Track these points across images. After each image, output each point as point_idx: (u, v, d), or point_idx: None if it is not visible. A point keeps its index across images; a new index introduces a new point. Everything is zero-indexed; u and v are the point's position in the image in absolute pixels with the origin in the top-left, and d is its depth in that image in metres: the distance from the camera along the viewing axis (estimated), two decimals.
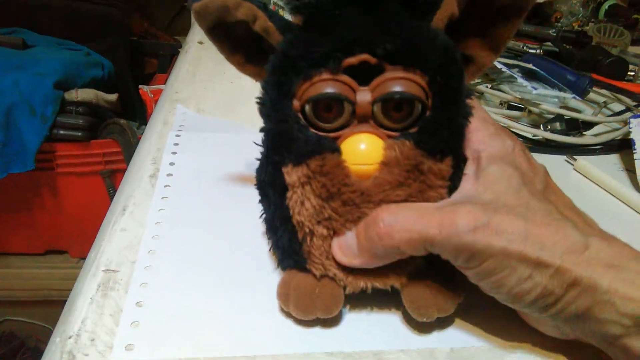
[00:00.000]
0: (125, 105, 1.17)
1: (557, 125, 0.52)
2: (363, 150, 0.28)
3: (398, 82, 0.27)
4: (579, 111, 0.55)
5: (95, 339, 0.31)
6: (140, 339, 0.30)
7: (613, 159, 0.51)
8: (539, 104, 0.53)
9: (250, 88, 0.65)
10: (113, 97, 1.09)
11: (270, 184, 0.31)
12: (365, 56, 0.27)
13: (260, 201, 0.33)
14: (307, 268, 0.31)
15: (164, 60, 1.34)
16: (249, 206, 0.41)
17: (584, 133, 0.53)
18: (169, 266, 0.36)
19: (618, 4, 0.80)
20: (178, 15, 1.48)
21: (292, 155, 0.28)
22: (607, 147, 0.52)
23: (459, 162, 0.29)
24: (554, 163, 0.50)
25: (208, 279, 0.35)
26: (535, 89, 0.54)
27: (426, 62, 0.27)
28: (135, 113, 1.22)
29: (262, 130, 0.31)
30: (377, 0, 0.28)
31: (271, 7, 0.54)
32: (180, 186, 0.44)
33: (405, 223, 0.27)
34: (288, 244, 0.31)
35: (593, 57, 0.63)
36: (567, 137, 0.51)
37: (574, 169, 0.49)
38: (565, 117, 0.53)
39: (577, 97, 0.55)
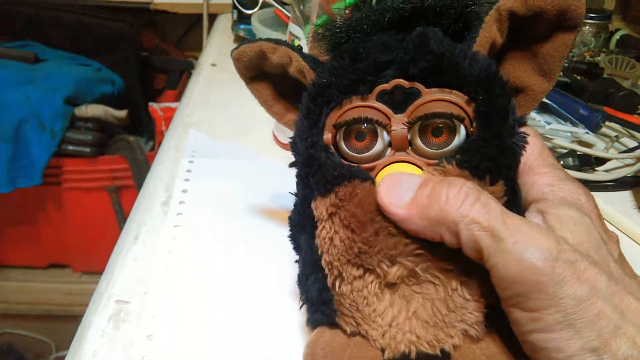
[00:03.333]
0: (134, 121, 1.17)
1: (570, 160, 0.52)
2: None
3: (436, 104, 0.25)
4: (591, 146, 0.55)
5: None
6: None
7: (625, 196, 0.51)
8: (552, 139, 0.53)
9: (262, 112, 0.65)
10: (122, 113, 1.09)
11: (300, 226, 0.28)
12: (398, 80, 0.25)
13: (294, 249, 0.30)
14: (337, 323, 0.26)
15: (174, 76, 1.34)
16: (263, 236, 0.41)
17: (596, 169, 0.53)
18: (180, 298, 0.36)
19: (629, 35, 0.81)
20: (188, 32, 1.49)
21: (320, 184, 0.26)
22: (620, 184, 0.52)
23: (514, 193, 0.26)
24: None
25: (221, 311, 0.34)
26: (548, 123, 0.54)
27: (466, 81, 0.25)
28: (144, 129, 1.23)
29: (291, 165, 0.29)
30: (413, 26, 0.26)
31: (287, 37, 0.54)
32: (192, 214, 0.44)
33: (484, 204, 0.22)
34: (317, 295, 0.26)
35: (604, 89, 0.63)
36: (580, 173, 0.51)
37: None
38: (578, 153, 0.52)
39: (590, 132, 0.55)
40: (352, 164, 0.26)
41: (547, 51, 0.27)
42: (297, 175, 0.28)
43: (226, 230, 0.42)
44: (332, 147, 0.27)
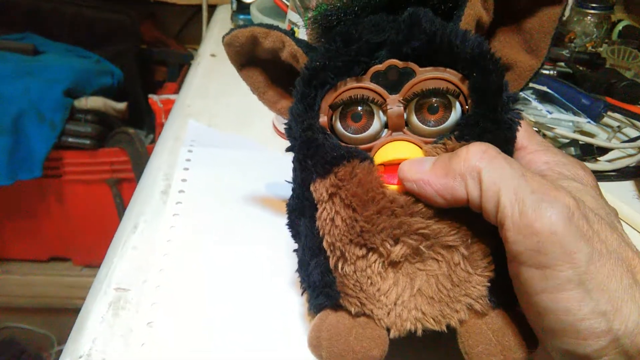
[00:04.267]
0: (134, 114, 1.17)
1: (572, 150, 0.52)
2: (399, 158, 0.25)
3: (430, 82, 0.25)
4: (593, 136, 0.55)
5: None
6: None
7: (628, 185, 0.51)
8: (553, 128, 0.53)
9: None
10: (122, 105, 1.09)
11: (299, 210, 0.28)
12: (392, 61, 0.25)
13: (293, 237, 0.30)
14: (342, 304, 0.26)
15: (174, 69, 1.34)
16: (262, 225, 0.41)
17: (598, 159, 0.53)
18: (179, 285, 0.35)
19: (632, 25, 0.80)
20: (188, 23, 1.48)
21: (318, 165, 0.26)
22: (622, 174, 0.51)
23: None
24: None
25: (220, 299, 0.34)
26: (550, 112, 0.53)
27: (459, 58, 0.25)
28: (144, 121, 1.22)
29: (288, 149, 0.29)
30: (404, 6, 0.26)
31: (286, 26, 0.54)
32: (192, 203, 0.44)
33: (504, 157, 0.22)
34: (320, 278, 0.26)
35: (607, 79, 0.62)
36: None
37: None
38: (580, 142, 0.52)
39: (592, 122, 0.54)
40: (350, 145, 0.26)
41: (533, 27, 0.27)
42: (295, 160, 0.28)
43: (225, 219, 0.42)
44: (328, 129, 0.27)
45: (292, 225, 0.29)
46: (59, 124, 0.98)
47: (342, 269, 0.25)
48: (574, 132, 0.54)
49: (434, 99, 0.25)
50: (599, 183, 0.49)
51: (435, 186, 0.23)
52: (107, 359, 0.31)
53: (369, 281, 0.25)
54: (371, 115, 0.26)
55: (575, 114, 0.55)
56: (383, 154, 0.26)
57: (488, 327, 0.24)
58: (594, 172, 0.51)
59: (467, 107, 0.25)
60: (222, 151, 0.51)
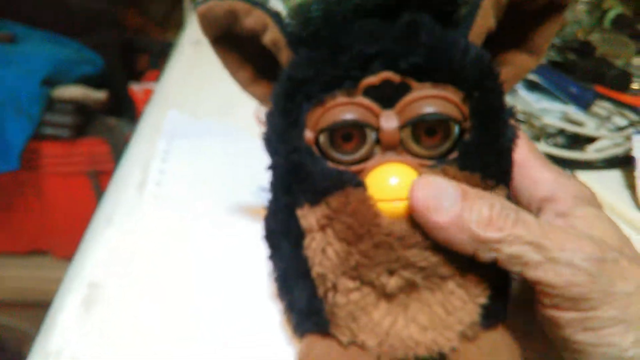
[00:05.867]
0: (115, 103, 1.14)
1: (560, 139, 0.51)
2: (393, 182, 0.23)
3: (429, 101, 0.23)
4: (582, 125, 0.54)
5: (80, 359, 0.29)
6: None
7: (616, 175, 0.50)
8: (542, 117, 0.52)
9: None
10: (102, 95, 1.06)
11: (282, 233, 0.26)
12: (387, 74, 0.23)
13: (270, 257, 0.28)
14: (331, 332, 0.25)
15: (157, 57, 1.31)
16: (245, 220, 0.40)
17: (586, 148, 0.52)
18: (155, 281, 0.34)
19: (623, 14, 0.79)
20: (172, 10, 1.45)
21: (308, 193, 0.24)
22: (610, 163, 0.51)
23: (509, 197, 0.25)
24: None
25: (198, 295, 0.33)
26: (538, 101, 0.53)
27: (459, 76, 0.23)
28: (125, 111, 1.20)
29: (270, 169, 0.26)
30: (399, 11, 0.24)
31: None
32: (170, 197, 0.42)
33: (524, 221, 0.22)
34: (307, 304, 0.25)
35: (596, 68, 0.61)
36: (569, 152, 0.50)
37: None
38: (568, 132, 0.51)
39: (580, 111, 0.53)
40: (340, 167, 0.24)
41: (534, 31, 0.26)
42: (278, 179, 0.26)
43: (203, 211, 0.41)
44: (314, 147, 0.24)
45: (270, 243, 0.27)
46: (37, 115, 0.95)
47: (333, 299, 0.24)
48: (562, 120, 0.53)
49: (432, 121, 0.23)
50: (587, 173, 0.49)
51: (449, 236, 0.22)
52: (79, 356, 0.29)
53: (362, 312, 0.24)
54: (363, 134, 0.24)
55: (563, 103, 0.54)
56: (377, 179, 0.24)
57: (480, 351, 0.24)
58: (582, 161, 0.50)
59: (466, 127, 0.24)
60: (202, 142, 0.50)
